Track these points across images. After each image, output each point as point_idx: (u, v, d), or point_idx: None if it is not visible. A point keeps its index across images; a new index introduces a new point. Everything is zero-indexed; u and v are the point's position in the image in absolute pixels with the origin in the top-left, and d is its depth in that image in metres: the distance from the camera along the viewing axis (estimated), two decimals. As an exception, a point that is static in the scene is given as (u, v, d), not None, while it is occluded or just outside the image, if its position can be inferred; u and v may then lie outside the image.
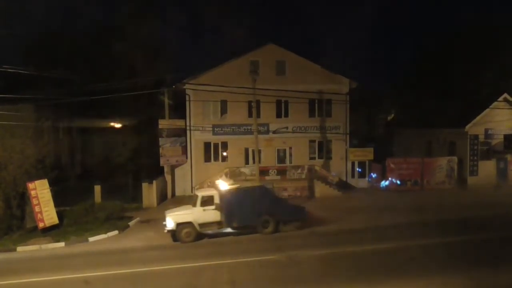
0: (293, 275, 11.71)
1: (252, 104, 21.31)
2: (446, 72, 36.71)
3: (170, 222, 16.06)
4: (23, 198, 18.39)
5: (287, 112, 26.86)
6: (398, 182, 25.53)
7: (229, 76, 24.26)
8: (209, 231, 16.62)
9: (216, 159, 26.65)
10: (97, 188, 23.06)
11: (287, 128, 26.68)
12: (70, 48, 30.01)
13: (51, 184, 18.65)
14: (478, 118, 25.86)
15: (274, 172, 25.07)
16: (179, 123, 26.00)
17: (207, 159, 26.57)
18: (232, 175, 24.54)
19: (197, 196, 16.85)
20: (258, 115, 22.00)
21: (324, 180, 25.29)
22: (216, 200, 16.49)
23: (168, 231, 16.17)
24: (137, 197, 23.62)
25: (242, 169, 25.08)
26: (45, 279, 12.30)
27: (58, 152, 27.02)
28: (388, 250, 13.55)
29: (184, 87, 25.33)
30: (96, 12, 41.35)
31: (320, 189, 24.63)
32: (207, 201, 16.47)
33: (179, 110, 27.57)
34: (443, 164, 25.94)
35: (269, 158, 26.46)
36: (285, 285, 11.11)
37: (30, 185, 17.68)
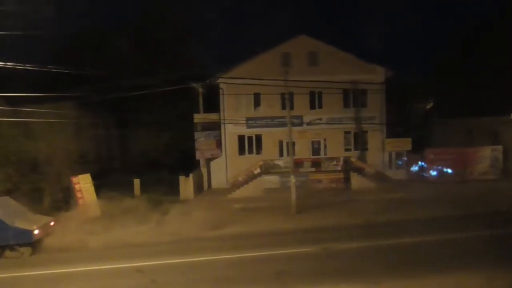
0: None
1: (285, 96, 21.14)
2: (489, 57, 34.86)
3: None
4: (68, 192, 19.26)
5: (321, 103, 26.52)
6: (449, 171, 24.54)
7: (262, 69, 24.19)
8: None
9: (250, 152, 26.77)
10: (136, 182, 23.77)
11: (321, 119, 26.37)
12: (105, 45, 30.71)
13: (93, 178, 19.42)
14: (524, 104, 24.50)
15: (309, 164, 24.90)
16: (213, 117, 26.30)
17: (241, 152, 26.74)
18: (267, 167, 24.63)
19: None
20: (292, 107, 21.85)
21: (361, 172, 24.87)
22: None
23: None
24: (174, 190, 24.14)
25: (277, 162, 25.07)
26: (93, 268, 12.77)
27: (98, 147, 27.97)
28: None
29: (218, 81, 25.54)
30: (126, 7, 41.94)
31: (356, 181, 24.22)
32: None
33: (212, 104, 27.84)
34: (487, 154, 24.80)
35: (303, 150, 26.27)
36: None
37: (74, 179, 18.51)
